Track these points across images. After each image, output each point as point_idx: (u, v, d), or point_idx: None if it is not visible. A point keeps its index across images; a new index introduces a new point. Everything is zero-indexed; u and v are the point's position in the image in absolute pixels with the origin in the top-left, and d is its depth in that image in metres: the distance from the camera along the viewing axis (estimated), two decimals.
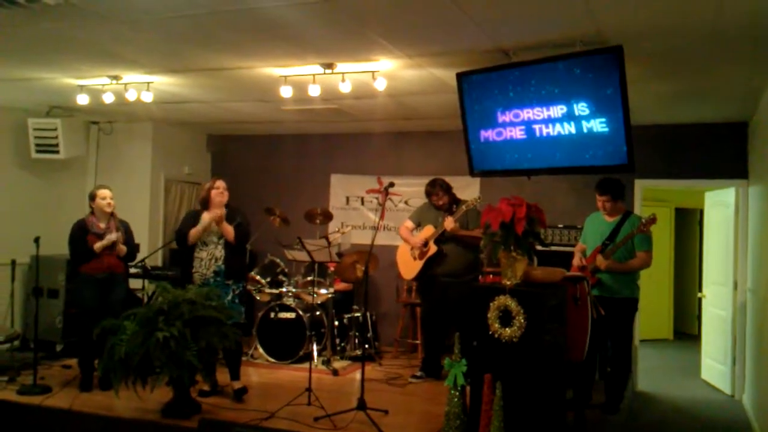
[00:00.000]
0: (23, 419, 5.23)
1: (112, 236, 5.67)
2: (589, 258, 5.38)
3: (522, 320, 3.99)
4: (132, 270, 6.72)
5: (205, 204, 5.55)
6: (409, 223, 6.49)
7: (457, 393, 4.25)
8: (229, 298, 5.43)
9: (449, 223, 6.01)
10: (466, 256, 6.16)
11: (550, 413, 4.13)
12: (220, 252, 5.47)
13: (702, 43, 4.39)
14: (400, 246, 6.54)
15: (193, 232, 5.47)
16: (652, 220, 5.17)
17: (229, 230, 5.45)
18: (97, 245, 5.62)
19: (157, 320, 4.74)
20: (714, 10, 3.76)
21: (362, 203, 8.66)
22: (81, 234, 5.68)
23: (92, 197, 5.79)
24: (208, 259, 5.45)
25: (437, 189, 6.25)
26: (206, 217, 5.44)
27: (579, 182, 7.00)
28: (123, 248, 5.78)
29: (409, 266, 6.38)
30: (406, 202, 8.34)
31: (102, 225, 5.72)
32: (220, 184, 5.59)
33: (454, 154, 7.22)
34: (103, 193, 5.78)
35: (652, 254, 5.29)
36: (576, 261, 5.48)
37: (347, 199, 8.73)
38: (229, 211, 5.52)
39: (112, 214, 5.80)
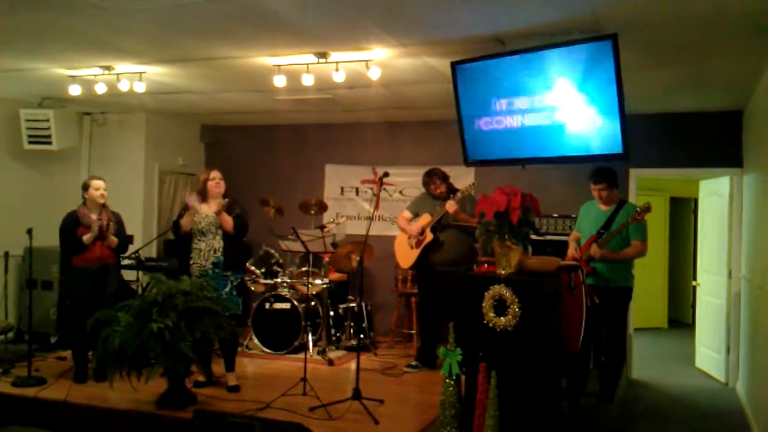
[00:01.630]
0: (18, 411, 5.22)
1: (95, 227, 5.58)
2: (583, 247, 5.37)
3: (516, 309, 3.99)
4: (126, 261, 6.71)
5: (203, 196, 5.52)
6: (407, 214, 6.48)
7: (452, 382, 4.24)
8: (227, 289, 5.42)
9: (451, 205, 5.99)
10: (463, 245, 6.17)
11: (545, 402, 4.14)
12: (218, 243, 5.45)
13: (698, 32, 4.38)
14: (398, 235, 6.54)
15: (184, 220, 5.45)
16: (647, 208, 5.16)
17: (229, 221, 5.42)
18: (85, 237, 5.59)
19: (151, 311, 4.73)
20: None
21: (357, 193, 8.64)
22: (72, 226, 5.65)
23: (85, 187, 5.75)
24: (207, 250, 5.43)
25: (434, 178, 6.25)
26: (189, 199, 5.45)
27: (573, 171, 6.98)
28: (114, 239, 5.74)
29: (406, 255, 6.38)
30: (400, 192, 8.33)
31: (93, 216, 5.68)
32: (216, 174, 5.57)
33: (448, 143, 7.20)
34: (97, 183, 5.74)
35: (647, 243, 5.28)
36: (571, 251, 5.48)
37: (342, 189, 8.72)
38: (230, 202, 5.49)
39: (103, 206, 5.76)
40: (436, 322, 6.33)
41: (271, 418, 4.68)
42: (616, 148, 4.55)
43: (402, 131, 8.41)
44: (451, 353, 4.27)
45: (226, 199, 5.46)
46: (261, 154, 9.06)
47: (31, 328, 5.96)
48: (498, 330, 4.05)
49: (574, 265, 4.84)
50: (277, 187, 8.61)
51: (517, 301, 3.99)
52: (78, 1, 4.12)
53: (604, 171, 5.33)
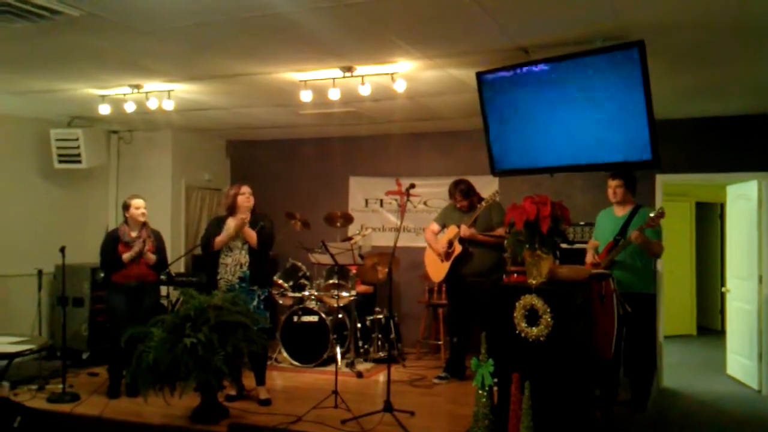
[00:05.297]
0: (54, 426, 5.28)
1: (136, 247, 5.71)
2: (602, 254, 5.32)
3: (549, 319, 3.99)
4: None
5: (232, 210, 5.56)
6: (435, 226, 6.46)
7: (485, 393, 4.24)
8: (255, 303, 5.44)
9: (464, 230, 6.02)
10: (492, 254, 6.15)
11: (579, 412, 4.12)
12: (244, 258, 5.49)
13: (724, 36, 4.36)
14: (427, 249, 6.51)
15: (218, 240, 5.50)
16: (661, 214, 5.08)
17: (252, 235, 5.46)
18: (125, 255, 5.68)
19: (184, 326, 4.77)
20: (737, 2, 3.73)
21: (381, 205, 8.66)
22: (113, 243, 5.75)
23: (126, 207, 5.85)
24: (233, 265, 5.48)
25: (457, 193, 6.24)
26: (231, 222, 5.48)
27: (598, 179, 6.95)
28: (152, 257, 5.81)
29: (437, 269, 6.36)
30: (425, 203, 8.33)
31: (134, 234, 5.78)
32: (246, 189, 5.61)
33: (473, 153, 7.21)
34: (137, 203, 5.84)
35: (662, 245, 5.25)
36: (589, 258, 5.44)
37: (366, 201, 8.74)
38: (253, 216, 5.54)
39: (144, 224, 5.86)
40: (466, 333, 6.32)
41: (303, 431, 4.71)
42: (646, 154, 4.53)
43: (425, 142, 8.42)
44: (483, 364, 4.27)
45: (248, 215, 5.51)
46: (285, 167, 9.12)
47: (65, 344, 6.04)
48: (530, 340, 4.04)
49: (604, 273, 4.82)
50: (301, 200, 8.67)
51: (549, 311, 3.99)
52: (109, 23, 4.20)
53: (623, 170, 5.29)
